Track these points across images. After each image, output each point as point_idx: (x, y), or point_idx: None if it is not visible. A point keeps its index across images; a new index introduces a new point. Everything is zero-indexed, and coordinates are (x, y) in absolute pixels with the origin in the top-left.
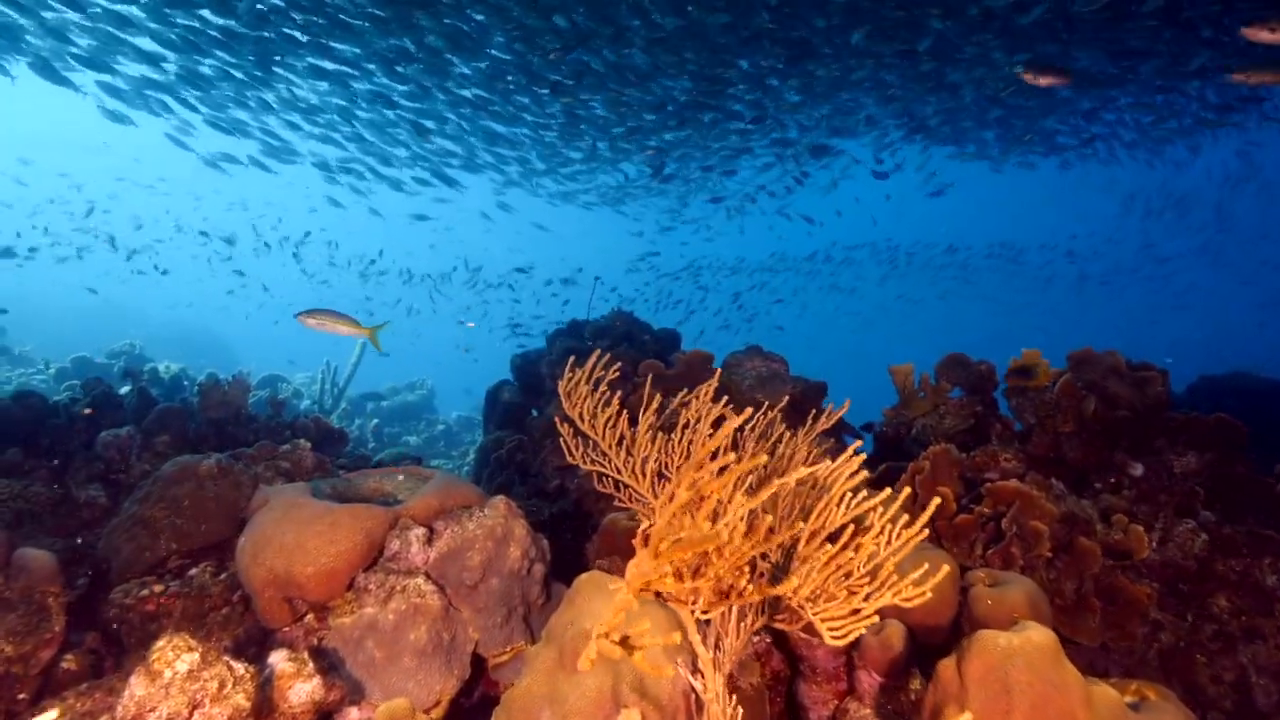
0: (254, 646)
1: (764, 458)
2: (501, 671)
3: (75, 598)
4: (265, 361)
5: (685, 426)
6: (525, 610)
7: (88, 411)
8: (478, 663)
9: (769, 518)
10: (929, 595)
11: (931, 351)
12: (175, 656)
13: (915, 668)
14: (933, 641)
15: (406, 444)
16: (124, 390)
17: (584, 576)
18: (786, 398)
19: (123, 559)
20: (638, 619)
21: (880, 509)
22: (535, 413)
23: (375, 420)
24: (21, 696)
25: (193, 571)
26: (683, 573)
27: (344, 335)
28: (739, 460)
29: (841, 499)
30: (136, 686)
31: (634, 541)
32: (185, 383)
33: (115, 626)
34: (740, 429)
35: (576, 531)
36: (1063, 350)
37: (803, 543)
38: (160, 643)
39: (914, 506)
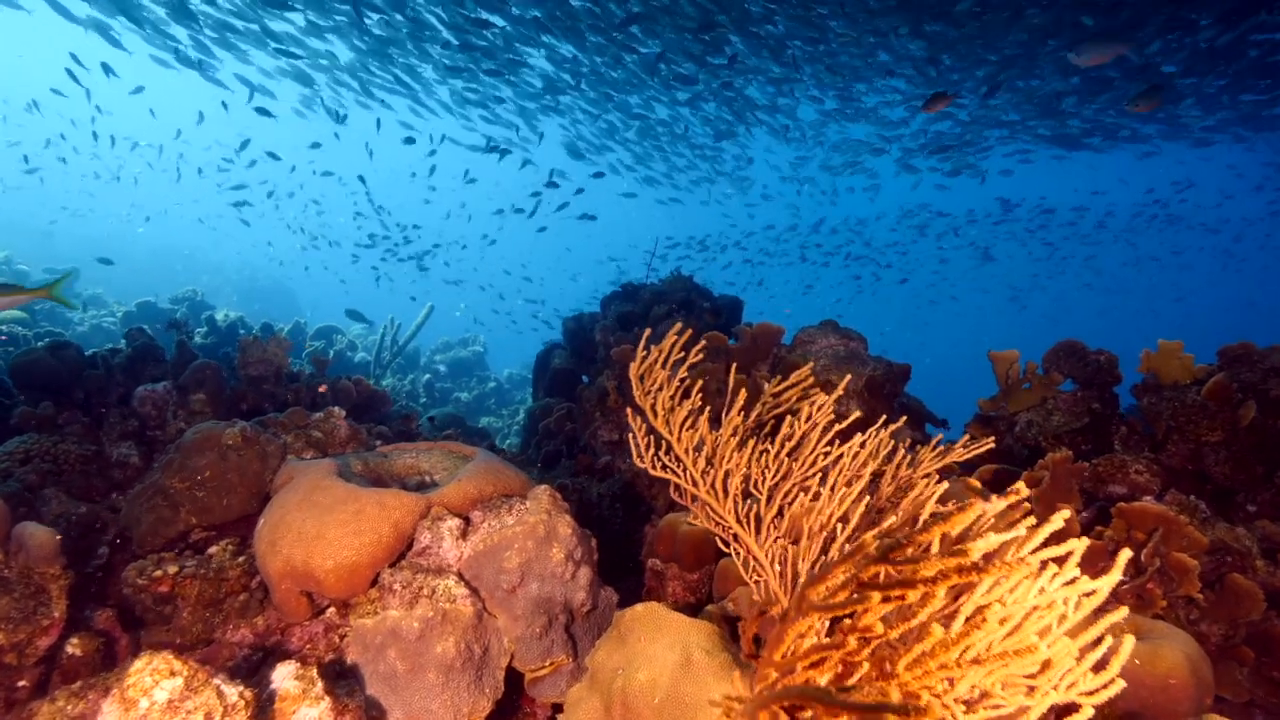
0: (274, 637)
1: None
2: (539, 687)
3: (93, 570)
4: (327, 313)
5: (787, 437)
6: (568, 619)
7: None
8: (513, 677)
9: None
10: (1121, 684)
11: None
12: (154, 683)
13: None
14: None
15: (458, 400)
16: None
17: (640, 610)
18: (864, 380)
19: (142, 530)
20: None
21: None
22: (586, 380)
23: (428, 376)
24: (22, 684)
25: (212, 550)
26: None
27: (9, 306)
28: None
29: (1036, 577)
30: (109, 717)
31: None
32: (241, 331)
33: (128, 607)
34: (800, 428)
35: (626, 516)
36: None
37: (959, 621)
38: (138, 664)
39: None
